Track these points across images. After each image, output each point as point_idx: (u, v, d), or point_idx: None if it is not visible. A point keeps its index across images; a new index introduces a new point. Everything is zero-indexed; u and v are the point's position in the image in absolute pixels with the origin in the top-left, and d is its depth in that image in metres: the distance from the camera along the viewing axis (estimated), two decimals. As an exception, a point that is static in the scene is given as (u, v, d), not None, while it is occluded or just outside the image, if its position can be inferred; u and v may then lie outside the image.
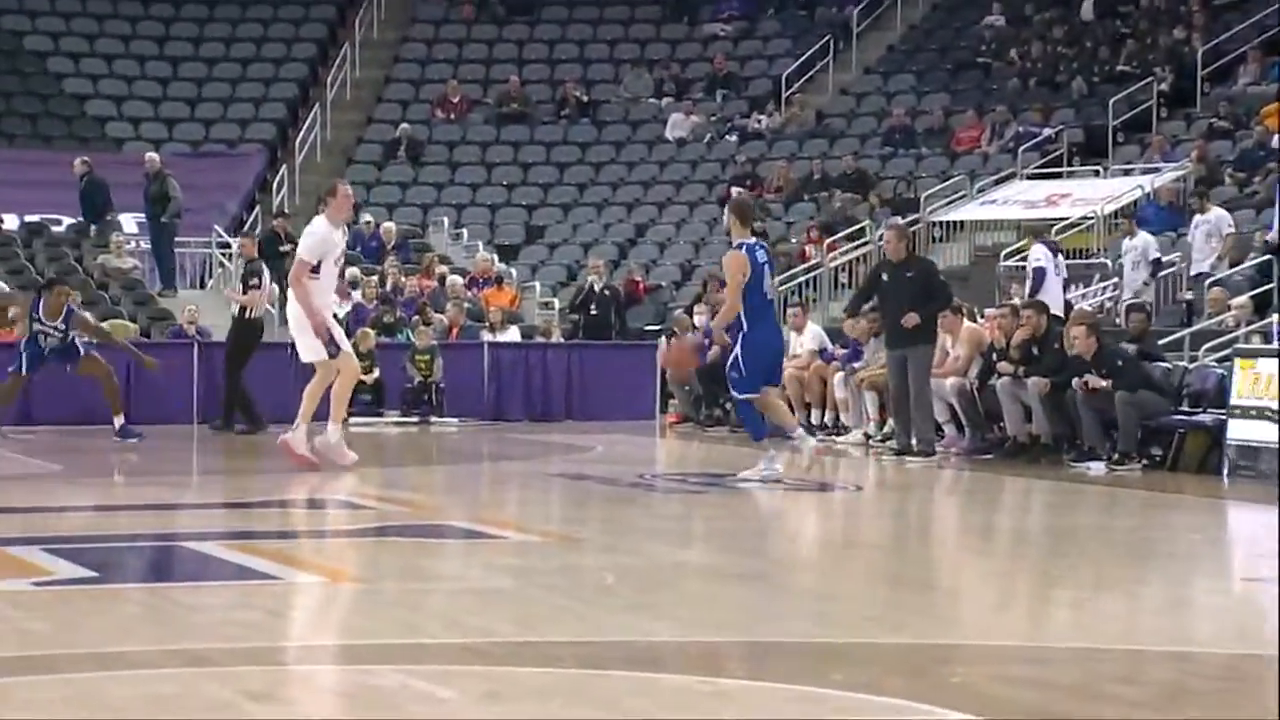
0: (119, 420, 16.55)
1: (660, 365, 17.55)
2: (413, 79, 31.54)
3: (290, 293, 13.42)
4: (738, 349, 12.57)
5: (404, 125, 29.66)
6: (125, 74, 30.63)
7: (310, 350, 13.33)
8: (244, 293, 18.35)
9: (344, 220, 13.98)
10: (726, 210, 13.31)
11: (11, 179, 25.99)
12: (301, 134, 29.42)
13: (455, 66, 31.71)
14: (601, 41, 32.37)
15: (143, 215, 24.47)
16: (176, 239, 24.25)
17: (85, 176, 24.44)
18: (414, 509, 11.49)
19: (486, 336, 21.83)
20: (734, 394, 13.03)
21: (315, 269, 13.18)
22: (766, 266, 12.60)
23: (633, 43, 32.30)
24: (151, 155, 24.32)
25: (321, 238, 13.27)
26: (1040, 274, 18.71)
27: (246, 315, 18.30)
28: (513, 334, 22.26)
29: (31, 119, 29.34)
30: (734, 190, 27.74)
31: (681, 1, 32.69)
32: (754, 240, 12.75)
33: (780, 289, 23.94)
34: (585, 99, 30.67)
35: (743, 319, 12.45)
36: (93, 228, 24.79)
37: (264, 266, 18.43)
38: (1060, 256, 19.57)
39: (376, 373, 20.13)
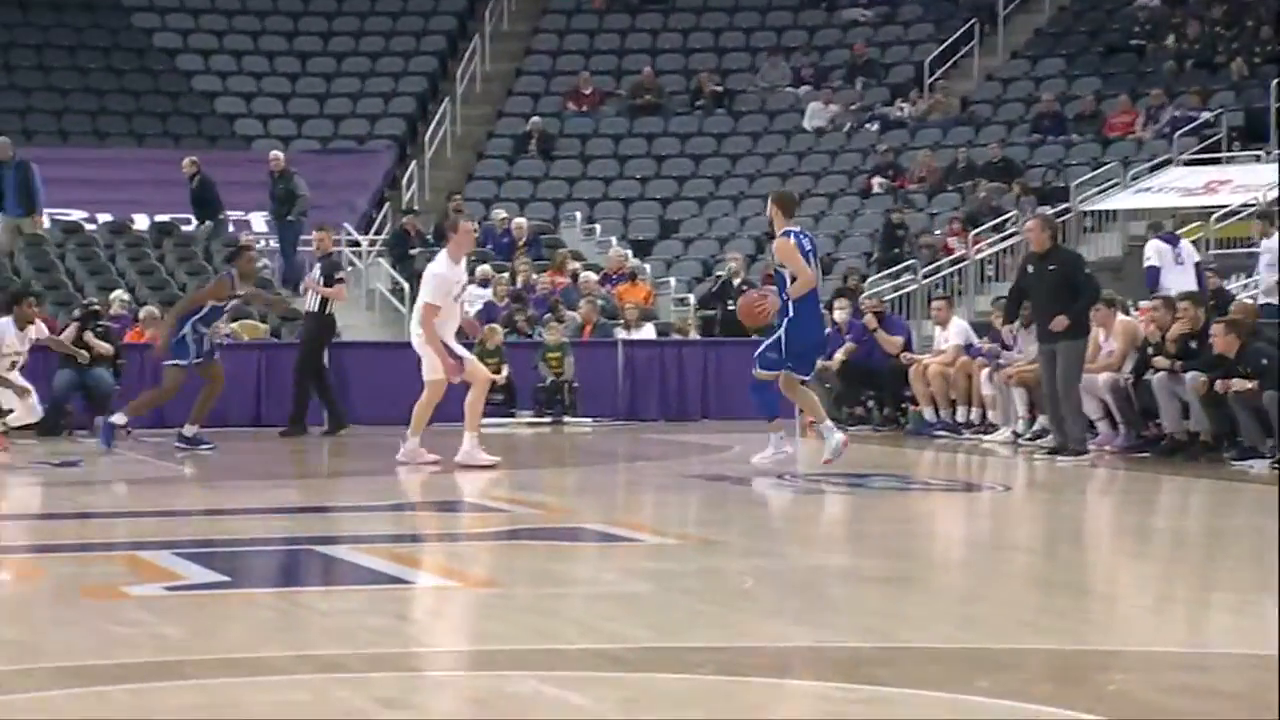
0: (193, 429, 16.17)
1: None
2: (544, 71, 31.70)
3: (415, 323, 14.00)
4: (781, 331, 13.35)
5: (535, 118, 29.82)
6: (254, 70, 31.08)
7: (431, 369, 13.95)
8: (327, 285, 18.33)
9: (465, 255, 14.57)
10: (769, 202, 14.04)
11: (141, 179, 26.44)
12: (431, 129, 29.68)
13: (587, 58, 31.82)
14: (737, 30, 32.33)
15: (269, 214, 24.80)
16: (304, 238, 24.50)
17: (195, 176, 24.78)
18: (547, 511, 11.55)
19: (620, 334, 21.89)
20: (756, 368, 13.63)
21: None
22: (811, 254, 13.49)
23: (769, 30, 32.23)
24: (276, 154, 24.64)
25: (444, 277, 13.90)
26: (1154, 273, 18.51)
27: (325, 310, 18.38)
28: (647, 331, 22.30)
29: (161, 118, 29.85)
30: (875, 181, 27.67)
31: (820, -14, 32.59)
32: (799, 228, 13.64)
33: (924, 282, 23.80)
34: (720, 89, 30.65)
35: (790, 305, 13.25)
36: (200, 227, 25.09)
37: (342, 260, 18.50)
38: (1182, 246, 19.20)
39: (506, 371, 20.26)
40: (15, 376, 16.49)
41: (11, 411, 16.39)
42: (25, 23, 30.53)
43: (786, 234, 13.46)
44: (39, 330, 16.95)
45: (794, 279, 13.36)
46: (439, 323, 13.84)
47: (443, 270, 13.95)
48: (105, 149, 28.72)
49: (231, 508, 11.93)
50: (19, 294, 17.22)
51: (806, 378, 14.06)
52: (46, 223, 25.37)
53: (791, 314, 13.32)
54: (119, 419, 16.30)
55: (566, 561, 9.04)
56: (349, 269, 25.90)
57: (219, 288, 16.27)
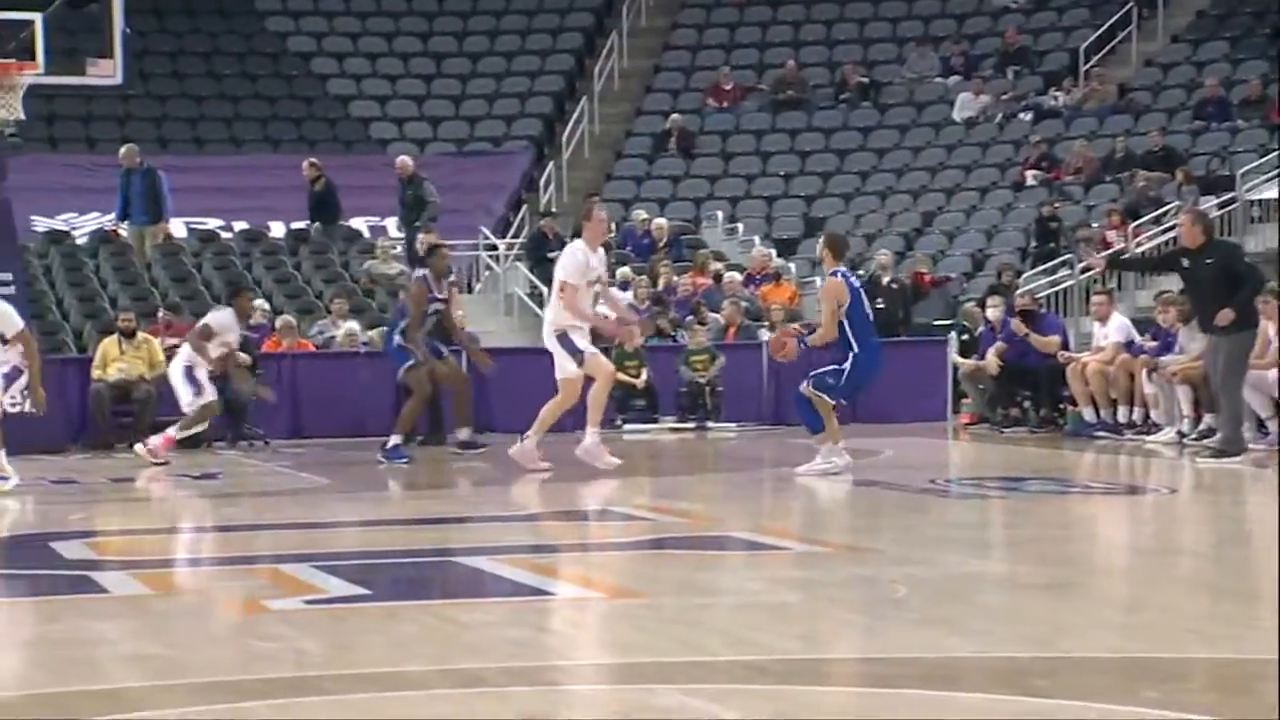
0: (465, 432, 16.32)
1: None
2: (683, 67, 31.74)
3: (549, 309, 14.13)
4: (846, 365, 13.93)
5: (674, 116, 29.87)
6: (389, 73, 31.42)
7: (561, 369, 14.18)
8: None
9: (601, 243, 14.78)
10: (820, 245, 14.80)
11: (277, 185, 26.82)
12: (568, 129, 29.83)
13: (728, 52, 31.82)
14: (883, 19, 32.18)
15: (399, 219, 24.92)
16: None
17: (318, 180, 25.04)
18: (692, 519, 11.56)
19: (765, 336, 21.86)
20: (810, 387, 14.03)
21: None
22: (861, 291, 14.31)
23: (916, 19, 32.04)
24: (404, 159, 24.81)
25: (582, 261, 14.18)
26: None
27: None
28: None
29: (296, 123, 30.27)
30: (1028, 173, 27.39)
31: (970, -27, 32.34)
32: (845, 269, 14.37)
33: (1081, 277, 23.54)
34: (866, 81, 30.52)
35: (852, 341, 13.89)
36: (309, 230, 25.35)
37: (450, 268, 18.51)
38: None
39: (645, 375, 20.32)
40: (201, 375, 16.65)
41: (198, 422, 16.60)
42: (161, 30, 31.09)
43: (835, 274, 14.14)
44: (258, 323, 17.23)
45: (812, 330, 14.44)
46: (576, 312, 14.10)
47: (580, 255, 14.24)
48: (240, 155, 29.16)
49: (371, 519, 12.07)
50: (241, 286, 17.35)
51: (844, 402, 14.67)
52: (181, 231, 25.81)
53: (856, 349, 13.91)
54: (397, 439, 16.09)
55: (712, 570, 9.05)
56: (486, 273, 26.16)
57: (418, 292, 16.43)
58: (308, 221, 25.38)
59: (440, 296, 16.69)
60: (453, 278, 18.98)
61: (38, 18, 17.70)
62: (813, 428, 14.15)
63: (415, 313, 16.44)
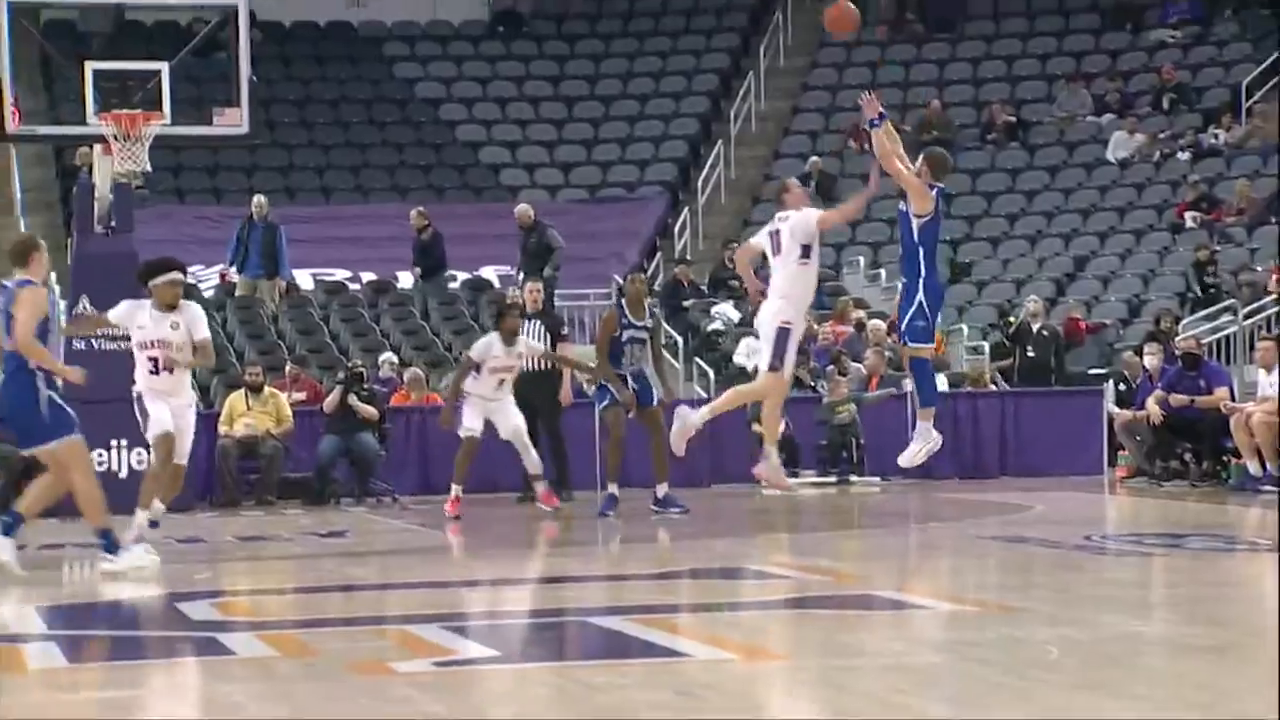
0: (662, 488, 16.13)
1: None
2: (822, 108, 31.76)
3: (778, 288, 13.20)
4: (919, 295, 12.77)
5: (814, 158, 29.86)
6: (519, 118, 31.69)
7: (763, 359, 13.27)
8: (554, 346, 18.09)
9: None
10: (921, 160, 13.37)
11: (404, 235, 27.09)
12: (704, 173, 29.92)
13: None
14: (1032, 56, 32.03)
15: (520, 269, 24.95)
16: (569, 291, 24.75)
17: (426, 229, 25.22)
18: (834, 578, 11.51)
19: (909, 386, 21.75)
20: (912, 345, 13.02)
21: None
22: (942, 216, 13.20)
23: (1067, 55, 31.85)
24: (524, 207, 24.90)
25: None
26: None
27: (554, 366, 18.19)
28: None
29: (424, 171, 30.60)
30: (1187, 215, 27.07)
31: (1124, 7, 32.08)
32: (942, 185, 13.16)
33: (1245, 322, 23.23)
34: (1014, 120, 30.37)
35: (921, 264, 12.78)
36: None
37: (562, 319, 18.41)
38: None
39: (784, 427, 20.27)
40: (505, 393, 16.58)
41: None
42: (288, 78, 31.60)
43: (932, 188, 13.03)
44: (527, 346, 16.83)
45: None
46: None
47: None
48: (368, 205, 29.51)
49: (501, 578, 12.12)
50: (506, 305, 17.35)
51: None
52: (307, 282, 26.15)
53: (924, 274, 12.84)
54: (664, 488, 15.99)
55: (855, 631, 9.00)
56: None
57: (608, 322, 16.40)
58: (414, 271, 25.55)
59: (640, 323, 16.45)
60: (565, 331, 19.00)
61: (164, 68, 18.05)
62: (927, 400, 13.24)
63: (603, 341, 16.35)
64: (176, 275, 13.19)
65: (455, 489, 16.38)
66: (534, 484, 16.72)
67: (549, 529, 15.81)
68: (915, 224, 12.91)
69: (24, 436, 12.08)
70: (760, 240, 13.48)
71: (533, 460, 16.60)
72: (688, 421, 13.38)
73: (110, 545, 11.94)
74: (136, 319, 13.01)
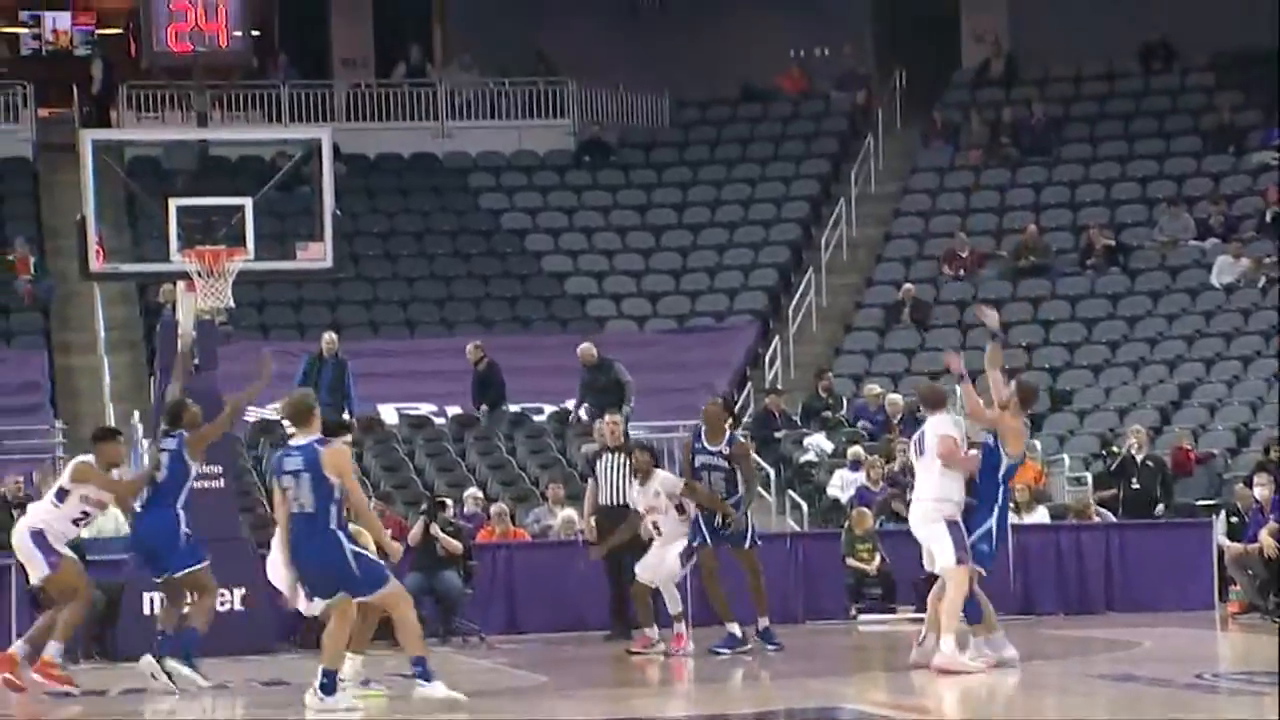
0: (764, 621, 16.21)
1: None
2: (915, 234, 31.82)
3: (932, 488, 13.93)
4: (992, 523, 13.86)
5: (907, 286, 29.90)
6: (605, 248, 31.89)
7: (943, 555, 13.85)
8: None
9: None
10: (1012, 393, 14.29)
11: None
12: (795, 301, 30.00)
13: (963, 217, 31.86)
14: (1131, 179, 32.01)
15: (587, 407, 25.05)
16: (657, 423, 24.73)
17: (480, 361, 25.33)
18: (932, 717, 11.43)
19: (1011, 519, 21.59)
20: (982, 569, 13.91)
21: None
22: None
23: (1168, 179, 31.82)
24: (586, 346, 24.92)
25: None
26: None
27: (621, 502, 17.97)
28: (1040, 514, 22.00)
29: (510, 302, 30.79)
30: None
31: (1226, 130, 32.08)
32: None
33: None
34: (1114, 244, 30.32)
35: (1000, 498, 13.93)
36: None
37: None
38: None
39: (879, 560, 20.24)
40: (662, 535, 16.37)
41: None
42: (372, 210, 31.97)
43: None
44: (661, 483, 16.43)
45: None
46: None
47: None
48: (453, 338, 29.69)
49: (592, 719, 12.09)
50: (638, 447, 17.20)
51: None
52: (392, 417, 26.28)
53: (1001, 501, 13.90)
54: (765, 621, 16.18)
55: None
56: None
57: (686, 449, 16.47)
58: (477, 404, 25.68)
59: (650, 494, 16.49)
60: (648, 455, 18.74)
61: (247, 203, 18.32)
62: (972, 618, 13.88)
63: (685, 469, 16.34)
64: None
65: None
66: (674, 623, 16.45)
67: (627, 668, 15.71)
68: (1005, 463, 13.94)
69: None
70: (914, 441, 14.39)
71: (674, 598, 16.49)
72: (947, 655, 13.72)
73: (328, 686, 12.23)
74: None
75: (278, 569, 13.14)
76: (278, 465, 12.33)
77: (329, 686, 12.17)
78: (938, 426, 14.03)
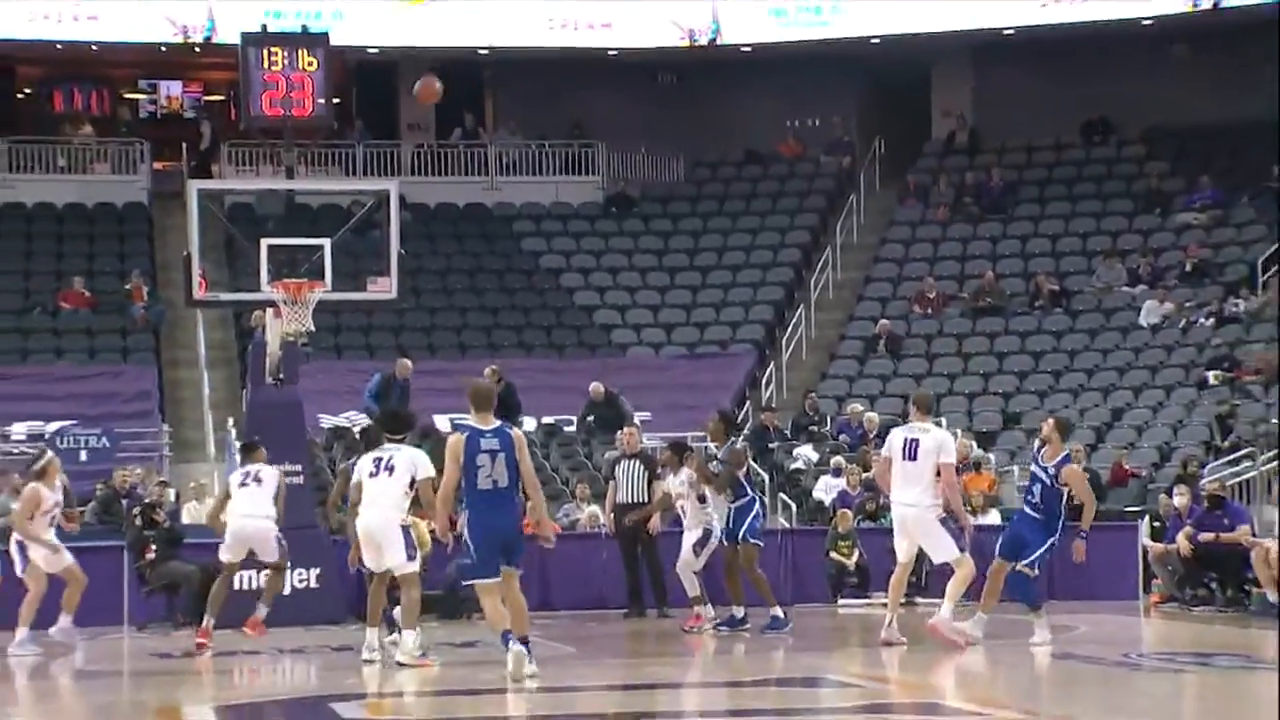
0: (776, 610, 15.77)
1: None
2: (891, 278, 31.78)
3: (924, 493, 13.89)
4: (1056, 541, 14.02)
5: (883, 321, 29.86)
6: (628, 285, 31.89)
7: (943, 550, 14.08)
8: (649, 483, 17.98)
9: None
10: (1050, 427, 14.40)
11: (531, 385, 27.24)
12: (788, 333, 29.97)
13: (931, 264, 31.81)
14: (1074, 235, 31.94)
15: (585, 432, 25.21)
16: (671, 435, 24.65)
17: (500, 383, 25.17)
18: (902, 687, 11.39)
19: (973, 520, 21.54)
20: (1023, 565, 13.94)
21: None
22: None
23: (1105, 235, 31.75)
24: (596, 385, 25.00)
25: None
26: None
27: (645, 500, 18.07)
28: (993, 517, 21.92)
29: (546, 330, 30.81)
30: (1210, 374, 26.80)
31: (1154, 194, 32.03)
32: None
33: (1263, 468, 22.90)
34: (1058, 289, 30.27)
35: (1061, 524, 14.03)
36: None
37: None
38: None
39: (857, 555, 20.19)
40: (688, 525, 16.30)
41: None
42: (432, 251, 31.99)
43: (1067, 458, 14.16)
44: (687, 476, 16.28)
45: (1072, 499, 14.05)
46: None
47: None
48: (498, 359, 29.68)
49: (612, 683, 12.07)
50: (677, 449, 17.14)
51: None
52: (445, 426, 26.23)
53: (1060, 530, 13.97)
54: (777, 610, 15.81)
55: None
56: (713, 464, 26.15)
57: (736, 456, 16.01)
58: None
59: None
60: (659, 470, 18.58)
61: (326, 243, 18.38)
62: (1034, 603, 14.00)
63: (702, 466, 16.19)
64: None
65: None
66: (693, 605, 16.31)
67: (650, 642, 15.69)
68: (1065, 493, 14.07)
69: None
70: (896, 443, 14.06)
71: (691, 583, 16.25)
72: (932, 620, 14.05)
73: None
74: None
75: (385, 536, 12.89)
76: (474, 445, 11.65)
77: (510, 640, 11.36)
78: (941, 443, 14.01)
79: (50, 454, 16.28)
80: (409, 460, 13.18)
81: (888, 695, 10.77)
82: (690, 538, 16.22)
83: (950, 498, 13.97)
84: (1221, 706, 10.18)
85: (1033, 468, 14.28)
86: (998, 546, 14.23)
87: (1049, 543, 13.91)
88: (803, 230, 33.00)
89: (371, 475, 13.21)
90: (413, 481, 13.07)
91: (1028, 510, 14.18)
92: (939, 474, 13.80)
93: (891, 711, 9.76)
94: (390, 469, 13.11)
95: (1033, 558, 13.84)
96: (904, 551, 14.18)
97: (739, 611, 15.99)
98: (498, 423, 11.72)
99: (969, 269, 31.39)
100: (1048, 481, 13.92)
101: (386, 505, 13.16)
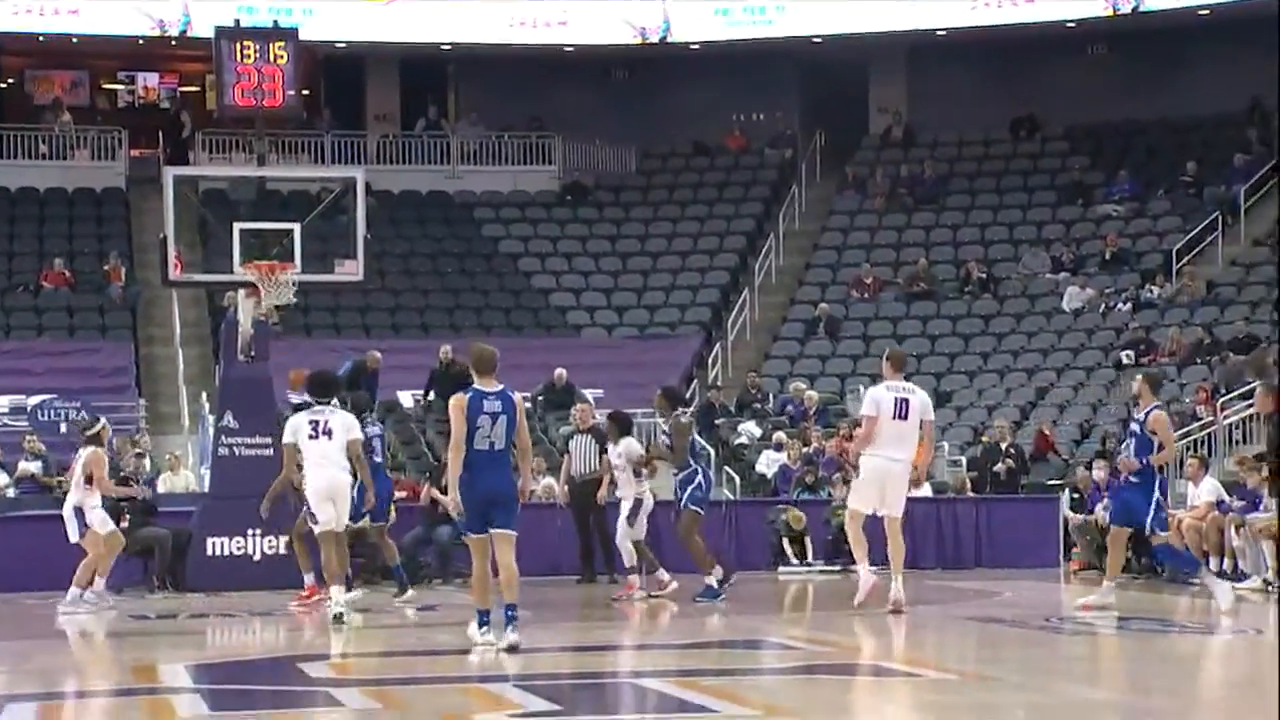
0: (710, 579, 15.21)
1: None
2: (830, 264, 31.81)
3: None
4: (1156, 492, 13.50)
5: (823, 305, 29.90)
6: (582, 270, 31.82)
7: (901, 505, 13.93)
8: (600, 457, 17.68)
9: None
10: (1140, 381, 14.29)
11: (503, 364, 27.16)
12: (733, 316, 29.97)
13: (868, 251, 31.86)
14: (1001, 225, 32.05)
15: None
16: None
17: (448, 363, 25.05)
18: (839, 649, 11.40)
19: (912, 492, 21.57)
20: (1160, 534, 13.72)
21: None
22: None
23: (1030, 224, 31.86)
24: (560, 371, 25.21)
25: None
26: None
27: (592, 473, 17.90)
28: (925, 489, 21.95)
29: (505, 312, 30.70)
30: (1125, 355, 26.94)
31: (1076, 186, 32.16)
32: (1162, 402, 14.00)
33: (1177, 444, 23.02)
34: (986, 276, 30.37)
35: (1155, 465, 13.57)
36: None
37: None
38: None
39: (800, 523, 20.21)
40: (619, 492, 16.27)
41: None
42: (396, 235, 31.81)
43: (1157, 407, 13.82)
44: (625, 448, 16.14)
45: (1161, 448, 13.63)
46: None
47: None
48: (459, 339, 29.55)
49: (566, 645, 12.03)
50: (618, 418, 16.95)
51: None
52: (409, 401, 26.15)
53: (1155, 480, 13.60)
54: (711, 580, 15.26)
55: (855, 693, 8.90)
56: (662, 437, 26.15)
57: (681, 428, 15.81)
58: (440, 396, 25.48)
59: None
60: (607, 444, 18.42)
61: (296, 227, 18.27)
62: (1191, 569, 14.19)
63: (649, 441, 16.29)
64: None
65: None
66: (628, 574, 16.12)
67: (618, 607, 15.61)
68: (1155, 442, 13.64)
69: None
70: (886, 402, 13.78)
71: (628, 552, 16.09)
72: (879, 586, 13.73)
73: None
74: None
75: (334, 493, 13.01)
76: (476, 406, 11.46)
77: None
78: (925, 402, 14.15)
79: (103, 420, 16.36)
80: (343, 423, 13.58)
81: (827, 657, 10.76)
82: (624, 508, 16.11)
83: (928, 453, 13.97)
84: (1138, 667, 10.23)
85: (1131, 425, 14.16)
86: (1109, 515, 14.20)
87: (1154, 499, 13.60)
88: (747, 219, 32.99)
89: (311, 437, 13.35)
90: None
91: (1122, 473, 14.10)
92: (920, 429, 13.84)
93: (830, 672, 9.75)
94: (329, 433, 13.34)
95: (1150, 521, 13.58)
96: (869, 502, 13.88)
97: (713, 580, 15.43)
98: (500, 386, 11.56)
99: (904, 256, 31.46)
100: (1138, 430, 13.79)
101: (335, 465, 13.31)
